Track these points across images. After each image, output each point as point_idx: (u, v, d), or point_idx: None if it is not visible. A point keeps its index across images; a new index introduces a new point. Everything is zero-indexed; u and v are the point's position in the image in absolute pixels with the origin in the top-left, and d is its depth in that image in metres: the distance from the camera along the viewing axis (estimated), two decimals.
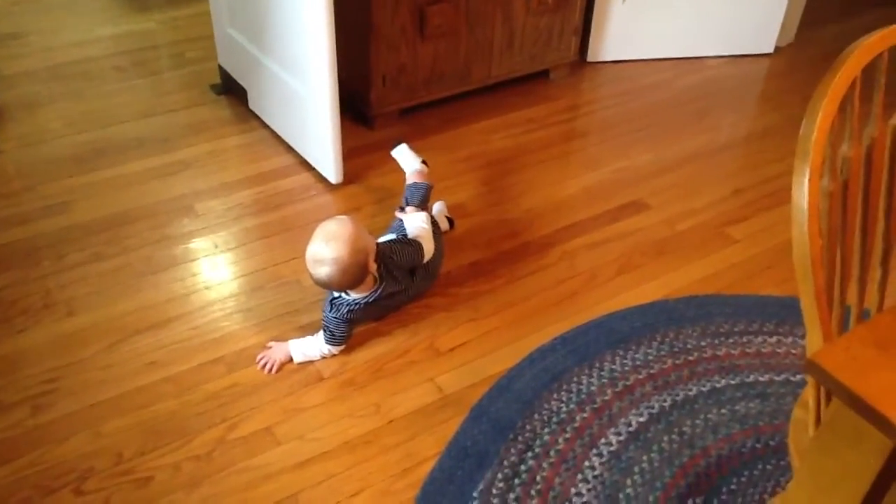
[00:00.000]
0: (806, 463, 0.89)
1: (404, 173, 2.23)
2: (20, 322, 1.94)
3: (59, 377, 1.80)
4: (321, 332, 1.85)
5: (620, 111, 2.89)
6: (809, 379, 1.04)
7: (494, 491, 1.59)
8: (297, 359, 1.85)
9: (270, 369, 1.82)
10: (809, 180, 0.94)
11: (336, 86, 2.20)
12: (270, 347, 1.87)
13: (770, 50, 3.26)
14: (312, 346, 1.85)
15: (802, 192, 0.94)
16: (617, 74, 3.12)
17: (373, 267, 1.79)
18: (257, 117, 2.72)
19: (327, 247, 1.72)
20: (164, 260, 2.13)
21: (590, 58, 3.13)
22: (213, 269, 2.12)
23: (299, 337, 1.88)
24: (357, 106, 2.67)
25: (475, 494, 1.58)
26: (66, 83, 2.95)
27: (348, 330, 1.85)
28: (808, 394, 1.06)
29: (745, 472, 1.64)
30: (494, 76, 2.82)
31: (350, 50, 2.52)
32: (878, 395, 0.73)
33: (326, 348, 1.84)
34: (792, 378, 1.86)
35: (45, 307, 1.98)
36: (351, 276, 1.75)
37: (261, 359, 1.84)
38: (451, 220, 2.25)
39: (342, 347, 1.86)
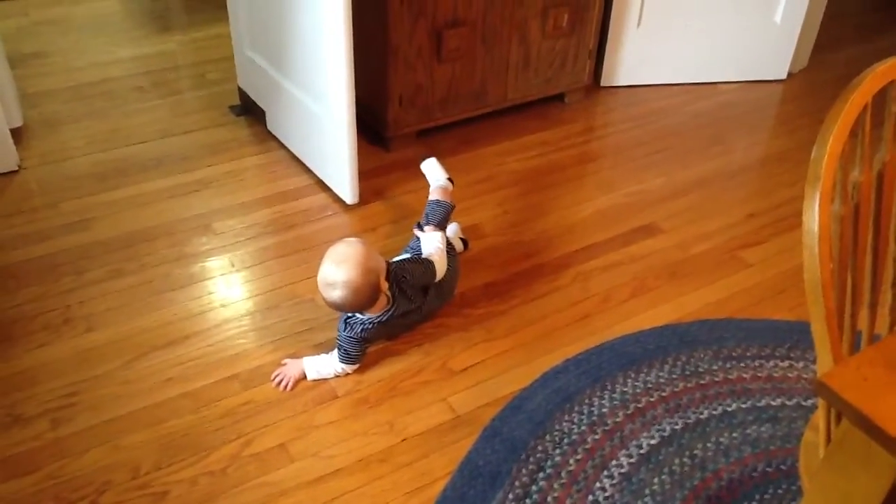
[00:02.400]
0: (815, 483, 0.90)
1: (421, 193, 2.26)
2: (41, 337, 1.97)
3: (79, 391, 1.82)
4: (335, 351, 1.87)
5: (634, 135, 2.92)
6: (820, 401, 1.05)
7: None
8: (310, 376, 1.87)
9: (286, 386, 1.84)
10: (820, 204, 0.96)
11: (353, 107, 2.24)
12: (285, 364, 1.89)
13: (783, 76, 3.28)
14: (327, 364, 1.87)
15: (813, 215, 0.96)
16: (631, 99, 3.15)
17: (385, 286, 1.82)
18: (275, 138, 2.77)
19: (338, 269, 1.74)
20: (181, 278, 2.17)
21: (604, 82, 3.16)
22: (230, 287, 2.15)
23: (314, 355, 1.90)
24: (373, 127, 2.70)
25: None
26: (88, 103, 3.00)
27: (363, 349, 1.87)
28: (819, 416, 1.07)
29: (757, 496, 1.64)
30: (510, 99, 2.86)
31: (367, 71, 2.56)
32: (888, 417, 0.75)
33: (341, 367, 1.86)
34: (804, 402, 1.86)
35: (65, 322, 2.01)
36: (363, 296, 1.77)
37: (276, 376, 1.86)
38: (465, 241, 2.27)
39: (357, 366, 1.88)
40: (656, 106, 3.10)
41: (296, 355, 1.91)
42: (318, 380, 1.87)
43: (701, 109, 3.09)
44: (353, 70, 2.17)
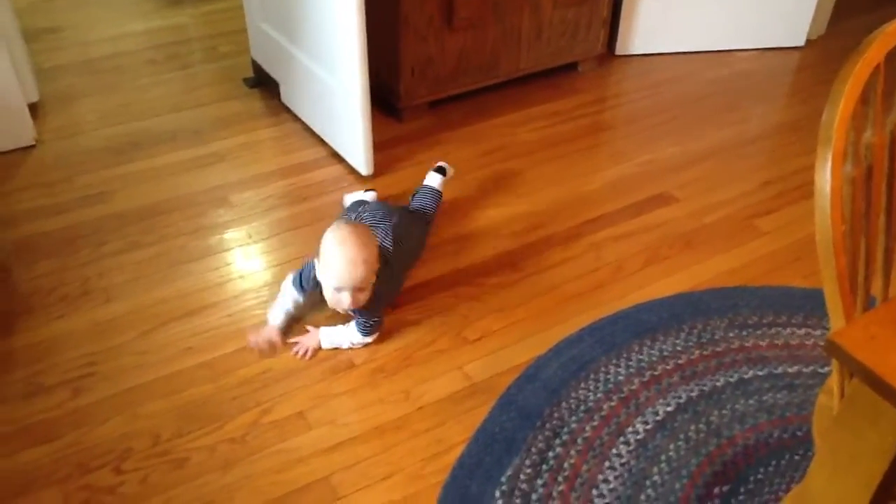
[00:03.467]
0: (826, 443, 0.90)
1: (434, 164, 2.27)
2: (59, 308, 1.99)
3: (98, 361, 1.85)
4: (352, 323, 1.88)
5: (648, 104, 2.89)
6: (834, 363, 1.05)
7: (522, 476, 1.61)
8: (325, 345, 1.89)
9: (304, 355, 1.86)
10: (832, 165, 0.96)
11: (367, 78, 2.23)
12: (306, 333, 1.91)
13: (801, 43, 3.24)
14: (342, 335, 1.89)
15: (825, 176, 0.95)
16: (645, 67, 3.12)
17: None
18: (289, 110, 2.77)
19: (355, 247, 1.74)
20: (199, 249, 2.18)
21: (618, 51, 3.14)
22: (247, 258, 2.17)
23: (330, 325, 1.91)
24: (386, 98, 2.70)
25: (503, 480, 1.60)
26: (101, 77, 3.01)
27: (380, 319, 1.88)
28: (833, 380, 1.07)
29: (773, 462, 1.65)
30: (522, 69, 2.84)
31: (379, 42, 2.55)
32: (889, 367, 0.75)
33: (357, 338, 1.88)
34: (820, 370, 1.86)
35: (84, 294, 2.03)
36: (375, 262, 1.79)
37: (294, 345, 1.88)
38: (442, 169, 2.28)
39: (376, 336, 1.90)
40: (671, 74, 3.07)
41: (316, 325, 1.93)
42: (334, 349, 1.88)
43: (716, 77, 3.06)
44: (366, 41, 2.16)
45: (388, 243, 1.93)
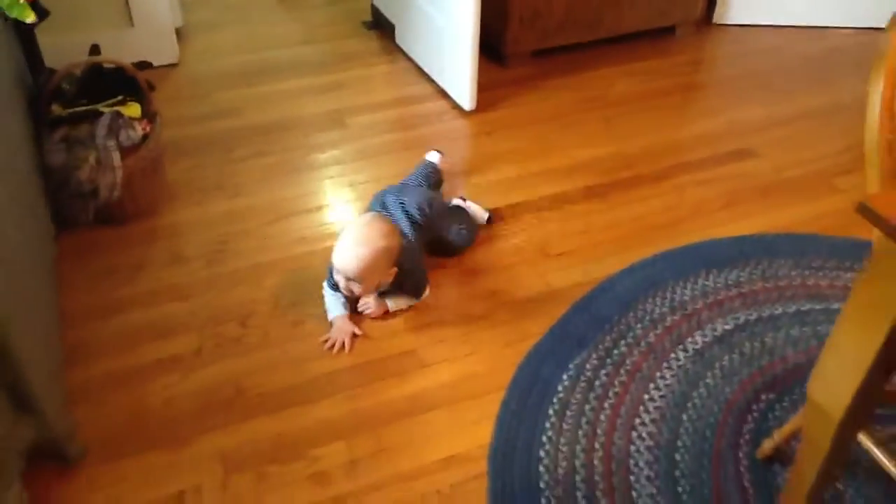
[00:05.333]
0: (852, 296, 1.07)
1: (532, 108, 2.55)
2: (197, 197, 2.30)
3: (228, 241, 2.14)
4: (395, 298, 1.96)
5: (741, 70, 3.02)
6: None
7: (588, 367, 1.82)
8: (392, 308, 1.96)
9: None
10: (885, 76, 1.12)
11: (478, 19, 2.45)
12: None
13: None
14: (400, 302, 1.96)
15: (877, 87, 1.12)
16: (741, 37, 3.24)
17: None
18: (402, 51, 3.01)
19: (357, 242, 1.81)
20: (317, 160, 2.46)
21: (716, 19, 3.26)
22: (357, 171, 2.43)
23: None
24: (493, 45, 2.91)
25: (571, 367, 1.81)
26: (236, 12, 3.34)
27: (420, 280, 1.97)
28: None
29: None
30: (623, 27, 3.01)
31: None
32: None
33: (412, 301, 1.97)
34: None
35: (218, 188, 2.33)
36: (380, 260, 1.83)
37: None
38: (489, 216, 2.25)
39: (426, 293, 1.98)
40: (766, 45, 3.18)
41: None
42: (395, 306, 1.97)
43: (811, 52, 3.15)
44: None
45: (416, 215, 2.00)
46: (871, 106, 1.16)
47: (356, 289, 1.85)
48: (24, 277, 1.51)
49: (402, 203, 2.02)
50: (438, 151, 2.36)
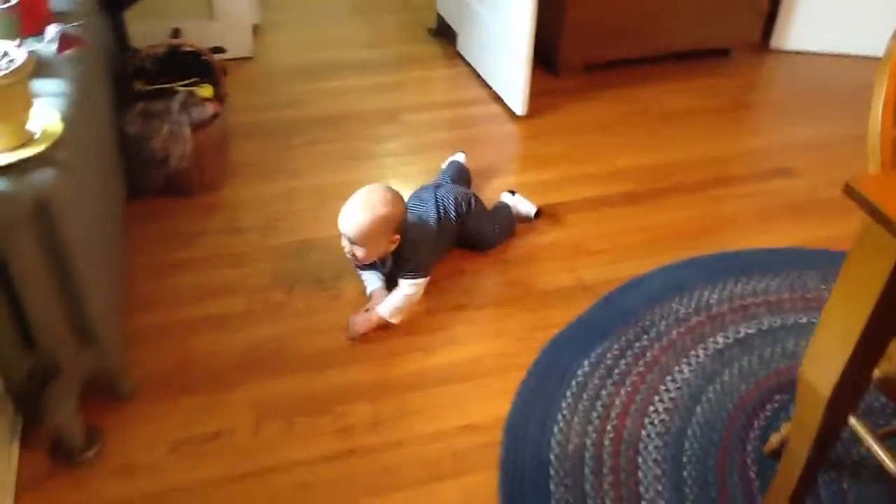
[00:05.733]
0: (840, 276, 1.14)
1: (581, 115, 2.70)
2: (257, 177, 2.46)
3: (282, 218, 2.29)
4: (392, 296, 1.99)
5: (791, 94, 3.07)
6: None
7: (608, 356, 1.90)
8: (389, 316, 1.95)
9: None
10: (889, 76, 1.20)
11: (533, 30, 2.57)
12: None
13: None
14: (396, 296, 1.97)
15: (882, 86, 1.20)
16: (797, 63, 3.28)
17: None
18: (462, 58, 3.16)
19: (358, 205, 1.91)
20: (369, 151, 2.61)
21: (773, 44, 3.31)
22: (407, 163, 2.56)
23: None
24: (548, 56, 3.03)
25: (592, 355, 1.90)
26: (311, 13, 3.55)
27: (419, 264, 2.00)
28: None
29: None
30: (676, 45, 3.09)
31: (548, 3, 2.87)
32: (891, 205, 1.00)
33: (408, 288, 1.97)
34: None
35: (277, 170, 2.50)
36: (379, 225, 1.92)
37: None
38: (538, 212, 2.33)
39: (423, 280, 2.00)
40: (819, 72, 3.22)
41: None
42: (396, 312, 1.96)
43: (863, 80, 3.14)
44: (536, 6, 2.51)
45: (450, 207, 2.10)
46: (874, 103, 1.24)
47: (359, 252, 1.92)
48: (97, 222, 1.67)
49: (437, 195, 2.13)
50: (463, 152, 2.48)
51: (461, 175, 2.37)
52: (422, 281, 1.99)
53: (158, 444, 1.65)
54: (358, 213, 1.90)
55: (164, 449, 1.64)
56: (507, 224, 2.25)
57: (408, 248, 1.99)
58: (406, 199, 2.05)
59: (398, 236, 1.95)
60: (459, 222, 2.13)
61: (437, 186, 2.18)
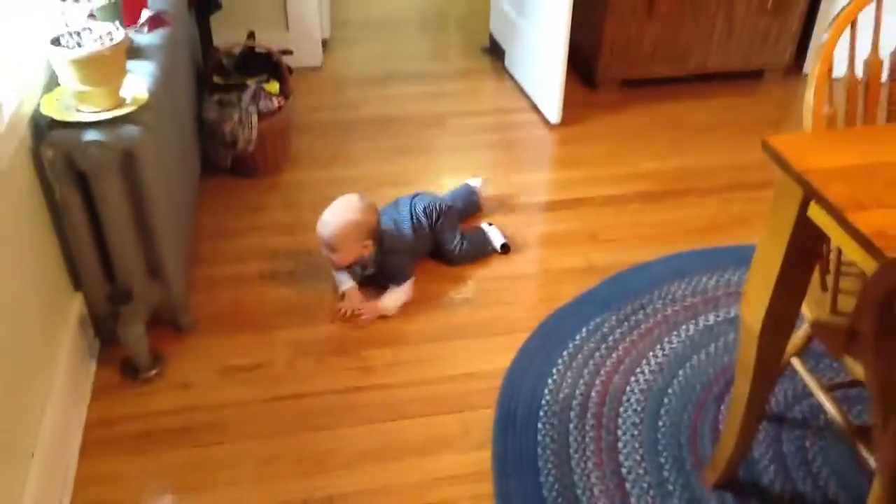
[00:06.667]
0: (766, 221, 1.35)
1: (614, 128, 2.97)
2: (315, 165, 2.80)
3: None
4: (387, 293, 2.19)
5: None
6: None
7: (606, 325, 2.12)
8: (390, 307, 2.16)
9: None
10: (821, 61, 1.42)
11: (567, 45, 2.84)
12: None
13: None
14: (394, 294, 2.18)
15: (815, 71, 1.42)
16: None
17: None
18: (509, 72, 3.45)
19: (333, 212, 2.14)
20: (418, 147, 2.92)
21: (806, 69, 3.48)
22: (450, 161, 2.85)
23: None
24: (586, 71, 3.29)
25: (591, 323, 2.12)
26: (375, 31, 3.91)
27: (400, 268, 2.22)
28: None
29: (813, 361, 2.02)
30: (710, 66, 3.30)
31: (587, 21, 3.15)
32: (798, 158, 1.22)
33: (400, 287, 2.19)
34: None
35: (333, 160, 2.82)
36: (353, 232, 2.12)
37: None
38: (505, 245, 2.40)
39: (408, 281, 2.20)
40: None
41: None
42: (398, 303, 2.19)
43: None
44: (570, 21, 2.79)
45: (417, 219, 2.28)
46: (808, 86, 1.46)
47: (334, 257, 2.13)
48: (173, 181, 2.00)
49: (412, 203, 2.32)
50: (481, 178, 2.60)
51: (467, 199, 2.51)
52: (407, 285, 2.20)
53: (210, 369, 1.96)
54: (332, 219, 2.11)
55: (213, 373, 1.95)
56: (477, 242, 2.36)
57: (390, 260, 2.20)
58: (383, 207, 2.30)
59: (370, 242, 2.14)
60: (431, 230, 2.29)
61: (414, 196, 2.37)
